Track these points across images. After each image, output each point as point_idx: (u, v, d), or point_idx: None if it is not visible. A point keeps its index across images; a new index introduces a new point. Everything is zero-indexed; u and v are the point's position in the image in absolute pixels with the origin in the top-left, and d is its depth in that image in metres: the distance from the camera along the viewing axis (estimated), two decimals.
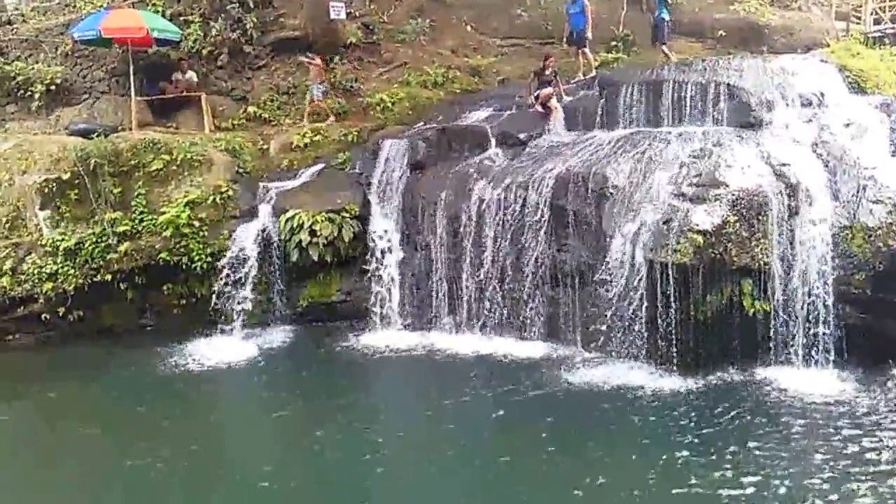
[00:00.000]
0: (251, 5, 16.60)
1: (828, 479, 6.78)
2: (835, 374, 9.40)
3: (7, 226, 12.53)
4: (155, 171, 12.83)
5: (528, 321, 11.29)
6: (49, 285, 11.98)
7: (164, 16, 15.95)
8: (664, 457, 7.37)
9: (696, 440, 7.72)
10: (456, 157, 13.17)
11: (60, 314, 12.14)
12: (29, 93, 15.64)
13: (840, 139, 10.91)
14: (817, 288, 9.59)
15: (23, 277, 12.08)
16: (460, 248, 11.91)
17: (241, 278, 12.20)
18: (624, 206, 10.46)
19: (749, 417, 8.23)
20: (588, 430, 8.17)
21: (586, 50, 15.36)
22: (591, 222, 10.80)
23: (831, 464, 7.09)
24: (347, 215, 12.67)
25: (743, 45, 16.87)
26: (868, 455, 7.23)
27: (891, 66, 13.68)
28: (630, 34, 17.18)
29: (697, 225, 9.51)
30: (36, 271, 12.07)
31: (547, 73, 13.64)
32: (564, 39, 16.02)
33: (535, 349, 10.89)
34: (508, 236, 11.47)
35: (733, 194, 9.77)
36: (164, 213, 12.48)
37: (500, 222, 11.56)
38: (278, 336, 12.12)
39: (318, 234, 12.33)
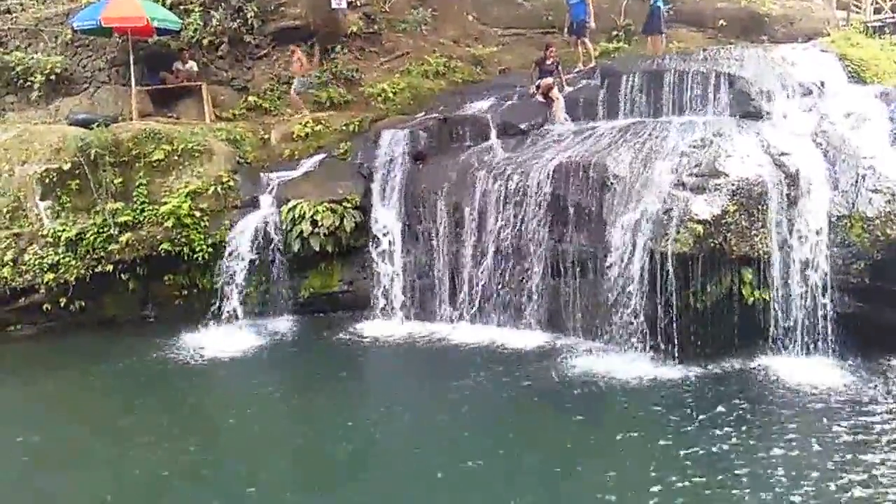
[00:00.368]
0: None
1: (826, 468, 6.83)
2: (833, 362, 9.46)
3: (8, 216, 12.50)
4: (156, 161, 12.83)
5: (530, 311, 11.32)
6: (50, 276, 11.99)
7: (164, 5, 15.87)
8: (664, 445, 7.44)
9: (696, 428, 7.77)
10: (457, 146, 13.22)
11: (62, 305, 12.16)
12: (29, 83, 15.60)
13: (840, 129, 10.95)
14: (816, 277, 9.62)
15: (24, 268, 12.07)
16: (462, 238, 11.95)
17: (242, 269, 12.22)
18: (625, 195, 10.48)
19: (748, 406, 8.28)
20: (588, 418, 8.22)
21: (586, 40, 15.34)
22: (591, 212, 10.82)
23: (829, 452, 7.14)
24: (349, 205, 12.69)
25: (744, 35, 16.82)
26: (865, 444, 7.28)
27: (891, 56, 13.71)
28: (631, 24, 17.11)
29: (697, 214, 9.53)
30: (37, 262, 12.06)
31: (548, 62, 13.67)
32: (565, 29, 15.99)
33: (536, 339, 10.92)
34: (509, 226, 11.51)
35: (733, 184, 9.78)
36: (165, 203, 12.50)
37: (502, 212, 11.59)
38: (280, 326, 12.14)
39: (320, 224, 12.34)
